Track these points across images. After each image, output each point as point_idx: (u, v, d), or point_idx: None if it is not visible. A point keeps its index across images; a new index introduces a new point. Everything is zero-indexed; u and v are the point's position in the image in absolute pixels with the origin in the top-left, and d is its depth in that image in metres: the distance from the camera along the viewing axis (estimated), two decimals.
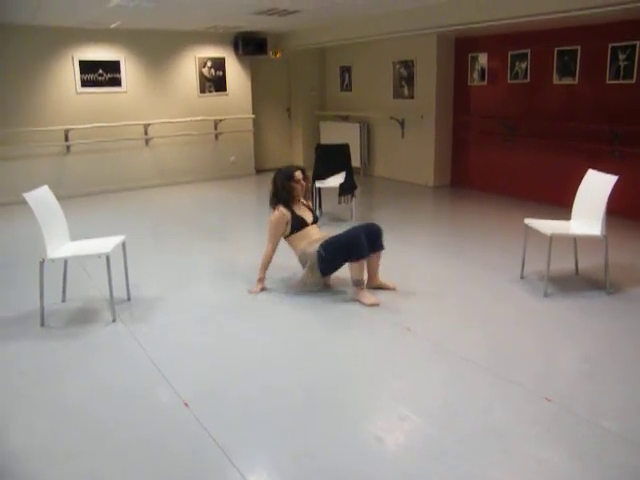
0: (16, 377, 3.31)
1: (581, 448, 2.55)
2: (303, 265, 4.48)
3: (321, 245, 4.28)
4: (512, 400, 2.94)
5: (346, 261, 4.27)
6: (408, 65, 8.98)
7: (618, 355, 3.42)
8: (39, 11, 6.88)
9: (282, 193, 4.48)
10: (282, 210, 4.45)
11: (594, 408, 2.84)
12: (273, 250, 4.50)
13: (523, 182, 7.87)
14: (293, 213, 4.48)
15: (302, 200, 4.61)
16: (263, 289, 4.50)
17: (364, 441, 2.63)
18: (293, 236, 4.48)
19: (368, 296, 4.24)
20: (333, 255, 4.26)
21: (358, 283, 4.26)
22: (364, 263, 4.28)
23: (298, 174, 4.51)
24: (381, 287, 4.48)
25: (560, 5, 5.69)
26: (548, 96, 7.39)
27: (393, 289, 4.48)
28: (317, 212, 6.72)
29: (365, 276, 4.35)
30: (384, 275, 4.55)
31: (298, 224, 4.47)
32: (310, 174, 6.87)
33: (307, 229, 4.50)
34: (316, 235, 4.50)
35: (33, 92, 8.35)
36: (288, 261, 4.93)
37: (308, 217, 4.57)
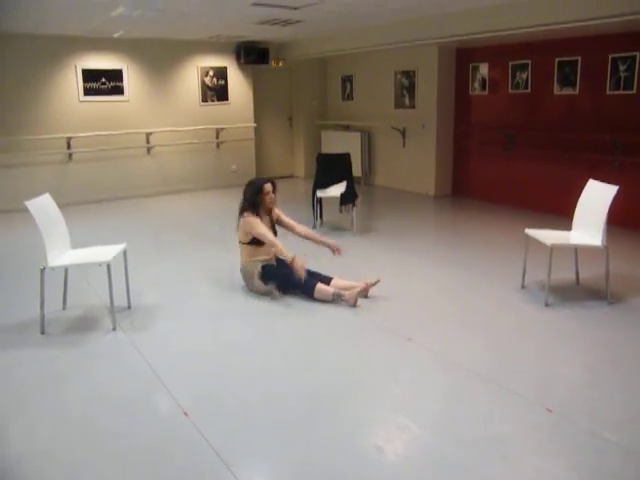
0: (16, 385, 3.30)
1: (581, 458, 2.54)
2: (243, 278, 4.71)
3: (260, 271, 4.55)
4: (512, 410, 2.93)
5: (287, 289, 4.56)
6: (409, 75, 9.02)
7: (619, 365, 3.41)
8: (43, 20, 6.93)
9: (251, 204, 4.64)
10: (253, 216, 4.60)
11: (594, 418, 2.83)
12: (275, 239, 4.59)
13: (524, 192, 7.88)
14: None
15: (269, 212, 4.77)
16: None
17: (364, 450, 2.62)
18: (247, 246, 4.65)
19: (352, 296, 4.31)
20: (271, 281, 4.54)
21: (335, 297, 4.36)
22: (321, 288, 4.39)
23: (267, 186, 4.69)
24: (367, 288, 4.47)
25: (561, 16, 5.72)
26: (549, 106, 7.42)
27: (378, 281, 4.49)
28: (318, 221, 6.75)
29: (331, 290, 4.40)
30: (385, 282, 4.55)
31: (258, 239, 4.61)
32: (311, 183, 6.92)
33: (262, 246, 4.63)
34: (262, 255, 4.65)
35: (36, 100, 8.39)
36: None
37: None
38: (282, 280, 4.53)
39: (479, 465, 2.50)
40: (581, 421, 2.80)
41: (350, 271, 4.80)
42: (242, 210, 4.69)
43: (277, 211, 4.88)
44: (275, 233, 4.78)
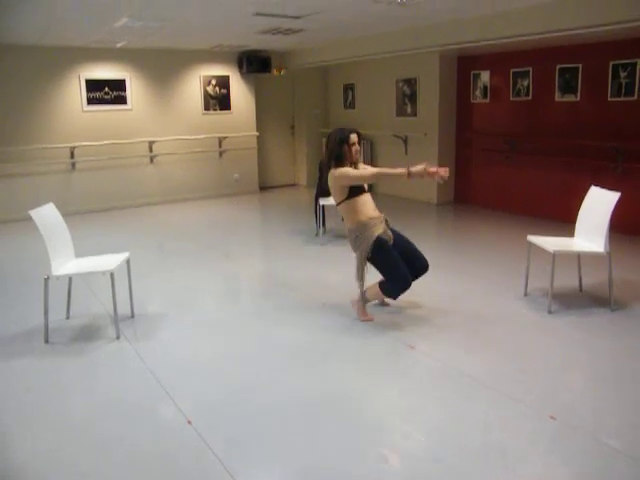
0: (21, 393, 3.31)
1: (585, 465, 2.53)
2: (352, 241, 4.23)
3: (372, 244, 4.11)
4: (516, 417, 2.93)
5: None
6: (411, 83, 9.06)
7: (622, 372, 3.41)
8: (47, 32, 6.99)
9: (335, 157, 4.24)
10: (341, 167, 4.20)
11: (598, 425, 2.83)
12: (374, 169, 4.37)
13: (526, 199, 7.89)
14: None
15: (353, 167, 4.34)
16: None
17: (367, 458, 2.61)
18: (351, 202, 4.19)
19: (366, 312, 4.29)
20: (376, 264, 4.18)
21: (367, 300, 4.31)
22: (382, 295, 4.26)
23: (353, 137, 4.34)
24: (384, 303, 4.53)
25: (562, 24, 5.74)
26: (550, 113, 7.43)
27: (387, 305, 4.54)
28: (320, 229, 6.77)
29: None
30: None
31: (357, 189, 4.21)
32: (314, 191, 6.93)
33: (364, 197, 4.24)
34: (373, 211, 4.24)
35: (39, 110, 8.44)
36: (293, 274, 4.95)
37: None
38: (386, 273, 4.11)
39: (483, 473, 2.49)
40: (585, 428, 2.80)
41: (352, 279, 4.80)
42: (327, 166, 4.28)
43: (363, 166, 4.44)
44: (370, 186, 4.34)
